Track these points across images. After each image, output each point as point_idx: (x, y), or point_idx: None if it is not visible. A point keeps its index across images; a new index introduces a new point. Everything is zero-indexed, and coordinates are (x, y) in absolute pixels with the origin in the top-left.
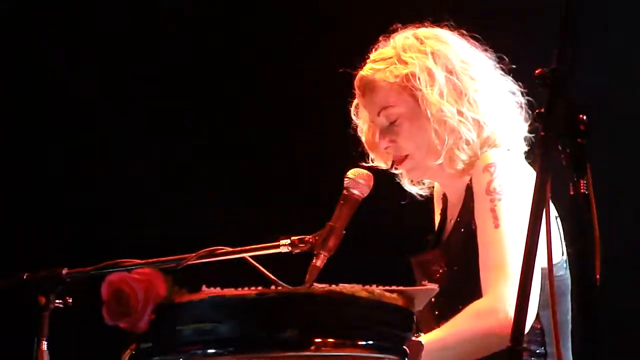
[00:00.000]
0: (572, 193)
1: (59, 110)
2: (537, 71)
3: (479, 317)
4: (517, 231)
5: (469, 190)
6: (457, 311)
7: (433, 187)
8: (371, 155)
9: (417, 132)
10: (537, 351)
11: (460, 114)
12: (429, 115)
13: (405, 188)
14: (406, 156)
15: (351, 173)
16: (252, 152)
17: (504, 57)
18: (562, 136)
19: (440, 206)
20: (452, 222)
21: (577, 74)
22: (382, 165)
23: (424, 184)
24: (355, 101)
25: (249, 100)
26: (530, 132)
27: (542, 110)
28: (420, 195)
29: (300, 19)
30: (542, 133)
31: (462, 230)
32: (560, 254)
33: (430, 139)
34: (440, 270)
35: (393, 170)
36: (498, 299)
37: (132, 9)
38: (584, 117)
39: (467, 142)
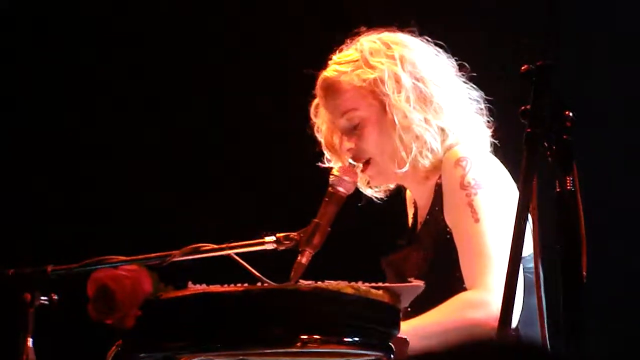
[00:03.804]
0: (558, 190)
1: (51, 107)
2: (522, 67)
3: (470, 307)
4: (497, 223)
5: (437, 188)
6: (429, 307)
7: (389, 190)
8: (327, 156)
9: (382, 137)
10: None
11: (426, 122)
12: (395, 121)
13: (361, 190)
14: (369, 160)
15: (336, 170)
16: (234, 148)
17: (465, 64)
18: (548, 133)
19: (412, 211)
20: (422, 222)
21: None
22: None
23: (378, 187)
24: (316, 101)
25: (230, 97)
26: (493, 137)
27: (528, 107)
28: (377, 198)
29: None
30: (528, 130)
31: (432, 227)
32: (529, 247)
33: (395, 145)
34: (411, 269)
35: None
36: (488, 291)
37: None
38: (570, 114)
39: (431, 150)
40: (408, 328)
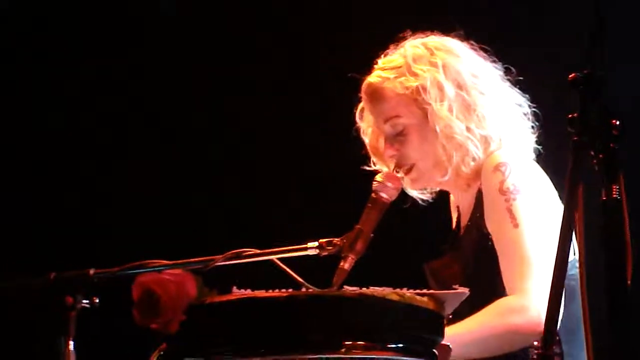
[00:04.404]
0: (604, 198)
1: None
2: (570, 76)
3: (510, 313)
4: (536, 228)
5: (478, 195)
6: (470, 314)
7: (435, 192)
8: (373, 159)
9: (424, 145)
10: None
11: (468, 130)
12: (437, 130)
13: (407, 192)
14: (412, 165)
15: (379, 176)
16: (278, 151)
17: (512, 68)
18: (595, 141)
19: (456, 215)
20: (464, 228)
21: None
22: (384, 169)
23: (425, 189)
24: (361, 105)
25: (279, 98)
26: (537, 143)
27: (575, 115)
28: (422, 200)
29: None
30: (575, 138)
31: (474, 234)
32: (572, 253)
33: (437, 152)
34: (453, 276)
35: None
36: (526, 296)
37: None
38: (617, 122)
39: (473, 158)
40: (448, 335)
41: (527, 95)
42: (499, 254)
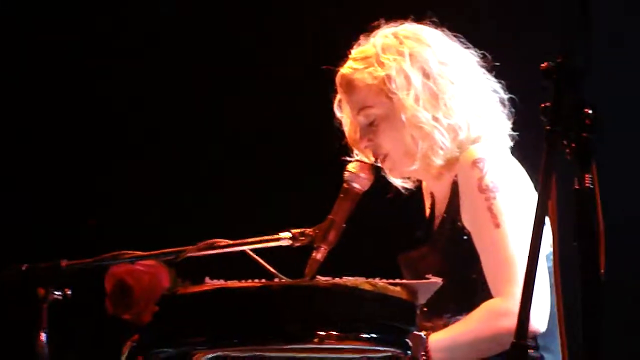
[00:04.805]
0: (576, 187)
1: (58, 103)
2: (542, 65)
3: (499, 316)
4: (518, 227)
5: (454, 186)
6: (445, 308)
7: (418, 181)
8: (355, 150)
9: (394, 135)
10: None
11: (435, 120)
12: (404, 119)
13: (390, 181)
14: (386, 155)
15: (352, 166)
16: (252, 142)
17: (487, 54)
18: (568, 130)
19: (429, 201)
20: (439, 219)
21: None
22: (365, 159)
23: (408, 178)
24: (338, 96)
25: (248, 89)
26: (513, 129)
27: (548, 104)
28: (405, 189)
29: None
30: (548, 127)
31: (449, 227)
32: (547, 245)
33: (407, 142)
34: (427, 268)
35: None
36: (514, 299)
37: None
38: (590, 112)
39: (441, 148)
40: (437, 340)
41: (502, 82)
42: (480, 253)
